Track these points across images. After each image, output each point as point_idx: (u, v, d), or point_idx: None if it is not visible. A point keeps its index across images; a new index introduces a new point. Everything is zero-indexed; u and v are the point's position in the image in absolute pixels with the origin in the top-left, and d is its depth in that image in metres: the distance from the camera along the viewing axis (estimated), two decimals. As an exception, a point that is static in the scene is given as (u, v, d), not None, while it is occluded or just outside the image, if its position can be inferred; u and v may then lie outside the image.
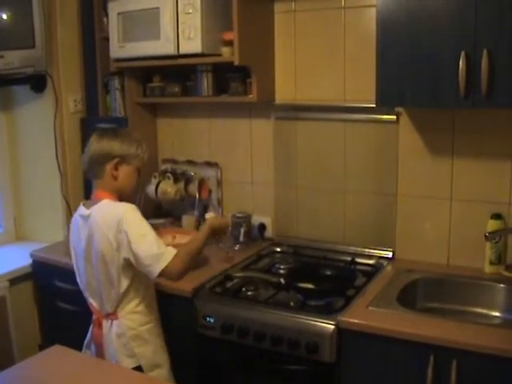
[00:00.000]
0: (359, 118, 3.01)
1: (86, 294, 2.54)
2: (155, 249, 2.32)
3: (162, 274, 2.33)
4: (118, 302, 2.43)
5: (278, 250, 3.28)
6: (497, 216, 2.76)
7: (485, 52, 2.27)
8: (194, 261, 2.50)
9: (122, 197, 2.47)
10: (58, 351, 2.33)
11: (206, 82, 3.22)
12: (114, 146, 2.43)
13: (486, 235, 2.65)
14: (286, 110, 3.22)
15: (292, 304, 2.60)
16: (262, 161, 3.36)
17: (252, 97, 3.07)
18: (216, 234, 2.70)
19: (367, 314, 2.41)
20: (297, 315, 2.46)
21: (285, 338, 2.44)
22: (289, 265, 3.05)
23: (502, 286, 2.67)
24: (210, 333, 2.63)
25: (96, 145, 2.45)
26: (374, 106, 2.67)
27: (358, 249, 3.11)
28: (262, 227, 3.38)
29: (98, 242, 2.38)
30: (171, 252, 2.35)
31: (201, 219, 3.42)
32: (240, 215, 3.30)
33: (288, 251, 3.24)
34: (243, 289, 2.75)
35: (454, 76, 2.34)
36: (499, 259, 2.79)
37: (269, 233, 3.39)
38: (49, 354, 2.31)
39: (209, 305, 2.64)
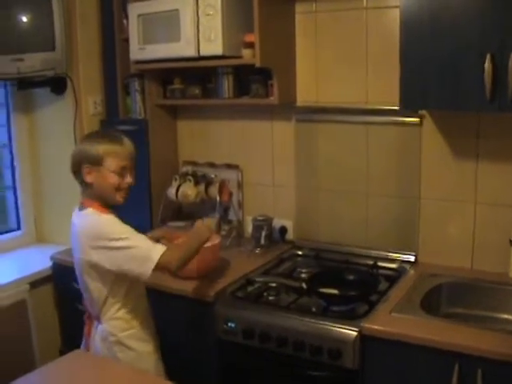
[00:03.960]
0: (382, 120, 2.97)
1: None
2: (144, 247, 2.29)
3: (158, 265, 2.27)
4: (98, 308, 2.41)
5: (300, 253, 3.25)
6: None
7: (512, 55, 2.23)
8: (188, 258, 2.43)
9: (107, 202, 2.39)
10: (78, 356, 2.33)
11: (226, 84, 3.20)
12: (81, 151, 2.37)
13: (510, 240, 2.61)
14: (307, 113, 3.19)
15: (314, 309, 2.57)
16: (283, 163, 3.33)
17: (273, 99, 3.04)
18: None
19: (390, 320, 2.38)
20: (319, 321, 2.43)
21: (307, 344, 2.41)
22: (310, 268, 3.02)
23: None
24: (231, 338, 2.61)
25: (72, 152, 2.42)
26: (396, 108, 2.65)
27: (380, 252, 3.07)
28: (284, 230, 3.35)
29: (78, 252, 2.38)
30: (161, 247, 2.32)
31: (222, 222, 3.40)
32: (261, 218, 3.27)
33: (309, 254, 3.21)
34: (265, 293, 2.73)
35: (480, 78, 2.30)
36: None
37: (290, 236, 3.36)
38: (69, 359, 2.30)
39: (230, 310, 2.62)
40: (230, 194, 3.47)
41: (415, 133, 2.90)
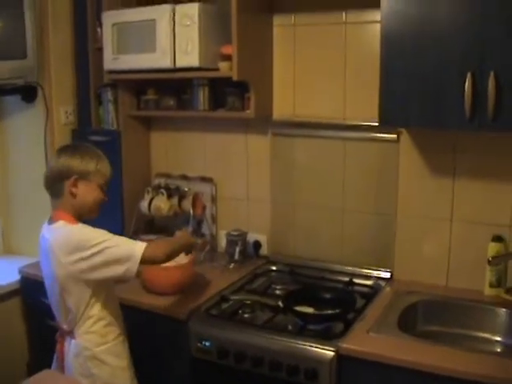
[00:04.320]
0: (359, 136, 2.96)
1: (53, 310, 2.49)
2: (125, 244, 2.28)
3: (144, 258, 2.25)
4: (74, 322, 2.35)
5: (274, 268, 3.21)
6: (498, 238, 2.72)
7: (492, 74, 2.22)
8: (175, 250, 2.44)
9: (82, 216, 2.38)
10: (46, 377, 2.25)
11: (202, 96, 3.15)
12: (72, 162, 2.33)
13: (489, 260, 2.61)
14: (283, 127, 3.15)
15: (290, 328, 2.54)
16: (258, 177, 3.29)
17: (250, 112, 3.01)
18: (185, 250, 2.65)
19: (368, 340, 2.35)
20: (296, 340, 2.38)
21: (283, 364, 2.37)
22: (285, 285, 2.99)
23: (503, 310, 2.62)
24: (206, 357, 2.55)
25: (54, 162, 2.38)
26: (374, 124, 2.64)
27: (356, 269, 3.05)
28: (258, 245, 3.31)
29: (52, 265, 2.31)
30: (141, 243, 2.30)
31: (194, 235, 3.34)
32: (235, 233, 3.23)
33: (284, 270, 3.17)
34: (240, 311, 2.68)
35: (460, 97, 2.29)
36: (499, 282, 2.74)
37: (264, 251, 3.32)
38: (38, 380, 2.21)
39: (204, 328, 2.56)
40: (204, 208, 3.41)
41: (392, 149, 2.89)
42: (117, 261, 2.23)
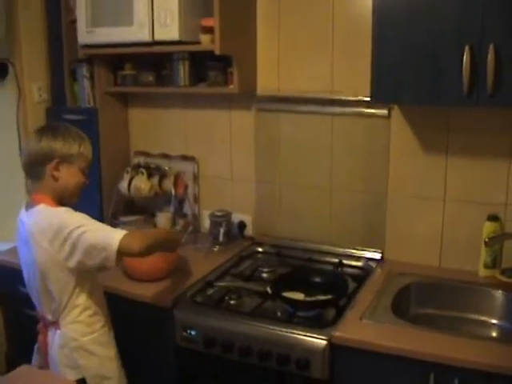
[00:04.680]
0: (348, 111, 2.84)
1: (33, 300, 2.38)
2: (103, 232, 2.16)
3: (120, 249, 2.12)
4: (58, 312, 2.25)
5: (260, 250, 3.11)
6: (493, 218, 2.64)
7: (491, 47, 2.11)
8: (155, 243, 2.27)
9: (62, 200, 2.27)
10: (24, 372, 2.16)
11: (182, 71, 2.99)
12: (55, 145, 2.22)
13: (485, 241, 2.53)
14: (268, 102, 3.02)
15: (279, 314, 2.43)
16: (242, 155, 3.17)
17: (233, 87, 2.87)
18: (165, 247, 2.46)
19: (361, 327, 2.26)
20: (286, 329, 2.28)
21: (273, 354, 2.27)
22: (272, 268, 2.88)
23: (499, 292, 2.55)
24: (191, 346, 2.44)
25: (35, 144, 2.24)
26: (363, 99, 2.57)
27: (345, 250, 2.96)
28: (242, 225, 3.20)
29: (33, 251, 2.20)
30: (121, 231, 2.18)
31: (176, 216, 3.23)
32: (219, 213, 3.11)
33: (270, 252, 3.07)
34: (226, 297, 2.56)
35: (457, 72, 2.18)
36: (494, 263, 2.67)
37: (249, 231, 3.21)
38: (15, 376, 2.13)
39: (190, 316, 2.45)
40: (186, 187, 3.29)
41: (383, 125, 2.78)
42: (94, 247, 2.12)
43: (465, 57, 2.15)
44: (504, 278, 2.61)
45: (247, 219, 3.20)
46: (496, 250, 2.65)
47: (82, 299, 2.26)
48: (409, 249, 2.84)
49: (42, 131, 2.28)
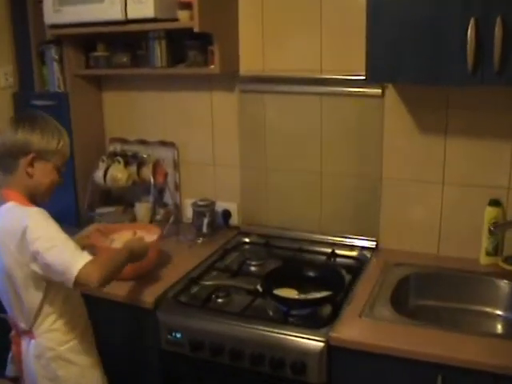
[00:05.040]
0: (338, 91, 2.65)
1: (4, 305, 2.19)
2: (66, 255, 1.95)
3: (78, 280, 1.93)
4: (31, 320, 2.07)
5: (247, 240, 2.93)
6: (495, 202, 2.50)
7: (498, 20, 1.93)
8: (112, 273, 2.05)
9: (34, 197, 2.09)
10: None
11: (159, 51, 2.78)
12: (32, 138, 2.03)
13: (490, 229, 2.39)
14: (252, 82, 2.82)
15: (271, 314, 2.26)
16: (225, 139, 2.98)
17: (214, 68, 2.67)
18: (136, 257, 2.25)
19: (360, 326, 2.10)
20: (279, 330, 2.11)
21: (267, 357, 2.10)
22: (261, 260, 2.71)
23: (504, 281, 2.41)
24: (177, 349, 2.26)
25: (10, 135, 2.05)
26: (356, 77, 2.41)
27: (338, 238, 2.80)
28: (227, 214, 3.02)
29: (1, 255, 2.04)
30: (85, 257, 1.97)
31: (156, 206, 3.04)
32: (202, 203, 2.92)
33: (258, 242, 2.90)
34: (213, 296, 2.38)
35: (461, 48, 2.00)
36: (496, 250, 2.53)
37: (234, 220, 3.04)
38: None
39: (174, 317, 2.27)
40: (165, 175, 3.10)
41: (376, 105, 2.61)
42: (54, 268, 1.94)
43: (469, 31, 1.97)
44: (507, 266, 2.47)
45: (232, 207, 3.02)
46: (498, 236, 2.52)
47: (56, 306, 2.08)
48: (405, 236, 2.70)
49: (19, 121, 2.09)
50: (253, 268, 2.67)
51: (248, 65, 2.82)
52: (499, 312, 2.40)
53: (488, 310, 2.41)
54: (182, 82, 2.99)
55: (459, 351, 1.91)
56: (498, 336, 2.29)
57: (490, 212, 2.49)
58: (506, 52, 1.95)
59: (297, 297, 2.31)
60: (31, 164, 2.03)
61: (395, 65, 2.14)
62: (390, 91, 2.56)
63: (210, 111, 2.98)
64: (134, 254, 2.21)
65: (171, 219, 2.99)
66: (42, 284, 2.02)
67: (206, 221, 2.88)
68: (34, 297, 2.04)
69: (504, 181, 2.48)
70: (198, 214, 2.90)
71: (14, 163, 2.04)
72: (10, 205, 2.02)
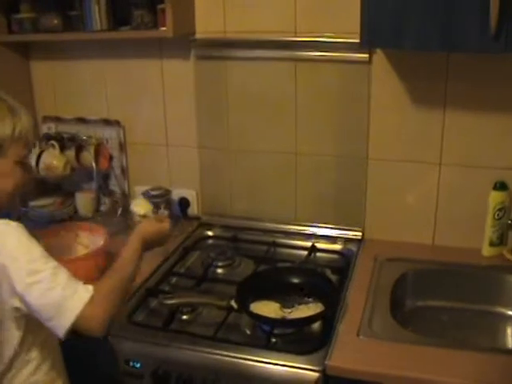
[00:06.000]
0: (316, 56, 2.27)
1: None
2: (57, 292, 1.48)
3: (74, 328, 1.50)
4: (4, 369, 1.61)
5: (210, 234, 2.55)
6: (501, 185, 2.19)
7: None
8: (123, 296, 1.65)
9: None
10: None
11: (97, 11, 2.34)
12: None
13: (509, 223, 2.08)
14: (211, 47, 2.42)
15: (249, 332, 1.87)
16: (180, 115, 2.58)
17: (166, 30, 2.24)
18: (151, 246, 1.85)
19: (361, 348, 1.74)
20: (263, 357, 1.72)
21: (249, 392, 1.73)
22: (229, 260, 2.33)
23: None
24: (137, 382, 1.85)
25: None
26: (336, 40, 2.13)
27: (317, 229, 2.46)
28: (185, 203, 2.62)
29: None
30: (83, 294, 1.51)
31: (100, 195, 2.61)
32: (156, 193, 2.51)
33: (223, 236, 2.52)
34: (177, 311, 1.96)
35: (481, 5, 1.62)
36: (501, 239, 2.24)
37: (194, 210, 2.65)
38: None
39: (130, 343, 1.85)
40: (110, 159, 2.68)
41: (362, 73, 2.25)
42: (40, 309, 1.49)
43: (493, -17, 1.59)
44: None
45: (190, 195, 2.63)
46: (504, 223, 2.21)
47: (35, 351, 1.64)
48: (395, 225, 2.40)
49: None
50: (220, 271, 2.29)
51: (206, 26, 2.41)
52: (510, 312, 2.13)
53: (499, 309, 2.14)
54: (127, 48, 2.55)
55: (484, 374, 1.60)
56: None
57: (496, 196, 2.18)
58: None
59: (281, 314, 1.90)
60: None
61: (397, 27, 1.74)
62: (379, 57, 2.19)
63: (161, 82, 2.56)
64: (148, 240, 1.80)
65: (119, 211, 2.57)
66: (20, 324, 1.57)
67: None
68: (7, 341, 1.58)
69: (511, 161, 2.17)
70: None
71: None
72: None
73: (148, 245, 1.80)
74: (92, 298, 1.50)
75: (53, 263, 1.51)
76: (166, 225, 1.91)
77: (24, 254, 1.49)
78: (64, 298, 1.48)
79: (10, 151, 1.57)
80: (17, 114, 1.61)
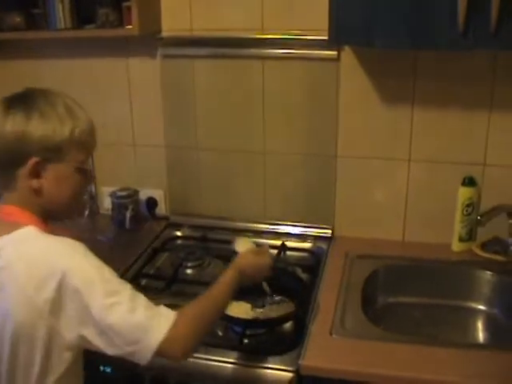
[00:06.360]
0: (283, 54, 2.25)
1: None
2: (140, 313, 1.35)
3: (159, 353, 1.34)
4: None
5: (179, 234, 2.51)
6: (470, 181, 2.19)
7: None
8: (209, 325, 1.51)
9: (50, 214, 1.48)
10: None
11: (61, 9, 2.27)
12: (29, 130, 1.37)
13: (478, 219, 2.06)
14: (177, 46, 2.37)
15: (221, 333, 1.85)
16: (146, 115, 2.53)
17: (132, 28, 2.19)
18: (250, 279, 1.72)
19: (334, 347, 1.74)
20: (236, 358, 1.71)
21: (221, 394, 1.70)
22: (199, 261, 2.30)
23: (488, 272, 2.15)
24: (108, 386, 1.83)
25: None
26: (304, 37, 2.11)
27: (286, 228, 2.45)
28: (153, 203, 2.57)
29: (11, 304, 1.35)
30: (166, 314, 1.38)
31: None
32: (123, 194, 2.47)
33: (192, 236, 2.48)
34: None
35: (450, 4, 1.63)
36: (470, 235, 2.24)
37: (162, 210, 2.60)
38: None
39: (100, 348, 1.83)
40: (76, 160, 2.59)
41: (330, 70, 2.23)
42: (119, 334, 1.33)
43: (461, -20, 1.59)
44: (484, 253, 2.21)
45: (158, 194, 2.59)
46: (472, 219, 2.21)
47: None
48: (364, 222, 2.39)
49: (6, 103, 1.42)
50: (190, 271, 2.25)
51: (172, 24, 2.36)
52: (481, 307, 2.15)
53: (469, 304, 2.16)
54: (92, 47, 2.49)
55: (461, 370, 1.62)
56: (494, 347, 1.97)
57: (464, 192, 2.19)
58: (505, 9, 1.59)
59: (252, 314, 1.89)
60: (37, 174, 1.40)
61: (366, 24, 1.75)
62: (348, 54, 2.18)
63: (126, 81, 2.50)
64: (247, 273, 1.68)
65: (86, 212, 2.52)
66: (71, 356, 1.40)
67: (128, 215, 2.43)
68: (31, 362, 1.37)
69: (479, 156, 2.19)
70: (119, 207, 2.45)
71: (9, 178, 1.41)
72: (27, 231, 1.39)
73: (246, 277, 1.68)
74: (176, 321, 1.37)
75: (126, 283, 1.40)
76: (267, 258, 1.79)
77: (97, 274, 1.36)
78: (148, 318, 1.35)
79: (69, 156, 1.43)
80: (75, 116, 1.48)
